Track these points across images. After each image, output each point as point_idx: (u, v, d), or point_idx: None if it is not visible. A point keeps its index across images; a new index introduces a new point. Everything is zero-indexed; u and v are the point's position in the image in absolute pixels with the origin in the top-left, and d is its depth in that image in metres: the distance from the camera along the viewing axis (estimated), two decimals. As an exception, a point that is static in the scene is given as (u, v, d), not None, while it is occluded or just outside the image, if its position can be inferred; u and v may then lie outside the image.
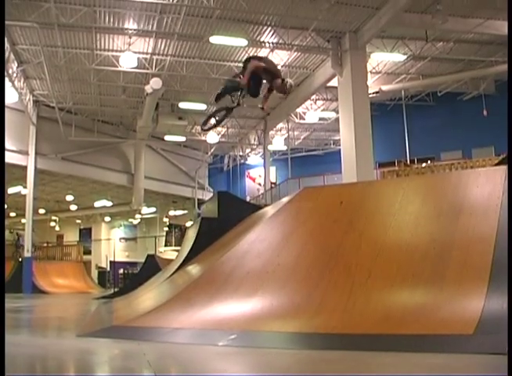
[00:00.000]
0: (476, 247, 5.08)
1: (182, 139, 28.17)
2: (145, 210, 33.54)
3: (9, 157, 22.88)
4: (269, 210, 9.08)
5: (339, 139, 20.74)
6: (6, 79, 18.90)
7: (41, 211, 34.80)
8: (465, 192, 5.97)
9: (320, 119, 27.20)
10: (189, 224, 29.18)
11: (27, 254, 24.41)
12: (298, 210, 7.11)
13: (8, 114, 21.91)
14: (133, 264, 32.99)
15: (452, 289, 4.84)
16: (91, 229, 41.18)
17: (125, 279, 30.07)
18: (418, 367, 3.71)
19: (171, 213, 36.90)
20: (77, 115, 25.16)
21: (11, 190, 28.18)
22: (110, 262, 30.49)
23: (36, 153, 24.31)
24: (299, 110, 26.26)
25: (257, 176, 34.44)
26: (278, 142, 30.03)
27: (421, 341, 4.33)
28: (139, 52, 19.23)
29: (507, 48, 17.14)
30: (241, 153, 34.07)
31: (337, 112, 21.68)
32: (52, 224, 38.57)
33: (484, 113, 22.73)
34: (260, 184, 33.00)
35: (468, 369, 3.66)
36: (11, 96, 20.05)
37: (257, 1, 16.12)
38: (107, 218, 39.72)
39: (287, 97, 17.58)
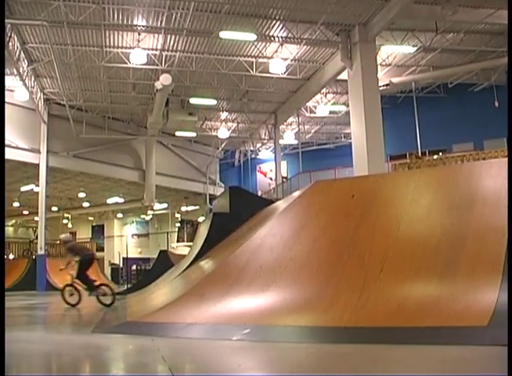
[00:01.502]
0: (489, 238, 5.05)
1: (193, 134, 28.16)
2: (157, 206, 33.60)
3: (21, 156, 23.08)
4: (281, 204, 9.07)
5: (350, 133, 20.66)
6: (17, 78, 19.01)
7: (54, 208, 34.97)
8: (478, 183, 5.94)
9: (330, 112, 27.13)
10: (201, 219, 29.26)
11: (41, 251, 24.56)
12: (310, 204, 7.10)
13: (19, 113, 22.14)
14: (146, 260, 33.17)
15: (465, 281, 4.82)
16: (104, 225, 41.39)
17: (138, 275, 30.23)
18: (430, 360, 3.71)
19: (183, 209, 36.98)
20: (87, 112, 25.24)
21: (24, 188, 28.41)
22: (123, 258, 30.64)
23: (48, 151, 24.43)
24: (309, 103, 26.20)
25: (269, 171, 34.41)
26: (288, 137, 29.98)
27: (435, 333, 4.33)
28: (149, 49, 19.25)
29: (507, 47, 16.91)
30: (252, 148, 34.10)
31: (348, 105, 21.62)
32: (65, 221, 38.77)
33: (496, 104, 22.56)
34: (271, 178, 32.95)
35: (481, 361, 3.65)
36: (22, 95, 20.15)
37: (266, -4, 16.10)
38: (119, 215, 39.91)
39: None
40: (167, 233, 33.37)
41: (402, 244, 5.64)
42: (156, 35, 18.51)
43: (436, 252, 5.27)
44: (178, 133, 27.71)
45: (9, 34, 16.41)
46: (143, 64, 19.65)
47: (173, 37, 18.66)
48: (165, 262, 16.97)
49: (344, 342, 4.55)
